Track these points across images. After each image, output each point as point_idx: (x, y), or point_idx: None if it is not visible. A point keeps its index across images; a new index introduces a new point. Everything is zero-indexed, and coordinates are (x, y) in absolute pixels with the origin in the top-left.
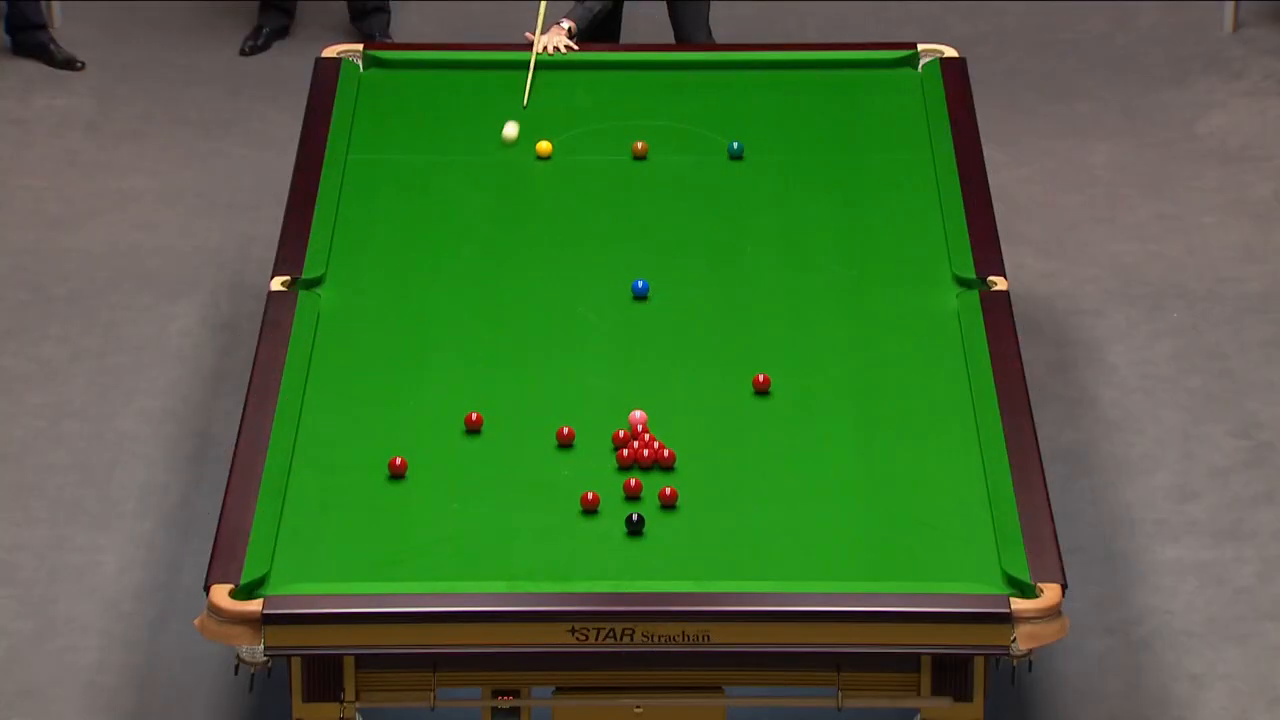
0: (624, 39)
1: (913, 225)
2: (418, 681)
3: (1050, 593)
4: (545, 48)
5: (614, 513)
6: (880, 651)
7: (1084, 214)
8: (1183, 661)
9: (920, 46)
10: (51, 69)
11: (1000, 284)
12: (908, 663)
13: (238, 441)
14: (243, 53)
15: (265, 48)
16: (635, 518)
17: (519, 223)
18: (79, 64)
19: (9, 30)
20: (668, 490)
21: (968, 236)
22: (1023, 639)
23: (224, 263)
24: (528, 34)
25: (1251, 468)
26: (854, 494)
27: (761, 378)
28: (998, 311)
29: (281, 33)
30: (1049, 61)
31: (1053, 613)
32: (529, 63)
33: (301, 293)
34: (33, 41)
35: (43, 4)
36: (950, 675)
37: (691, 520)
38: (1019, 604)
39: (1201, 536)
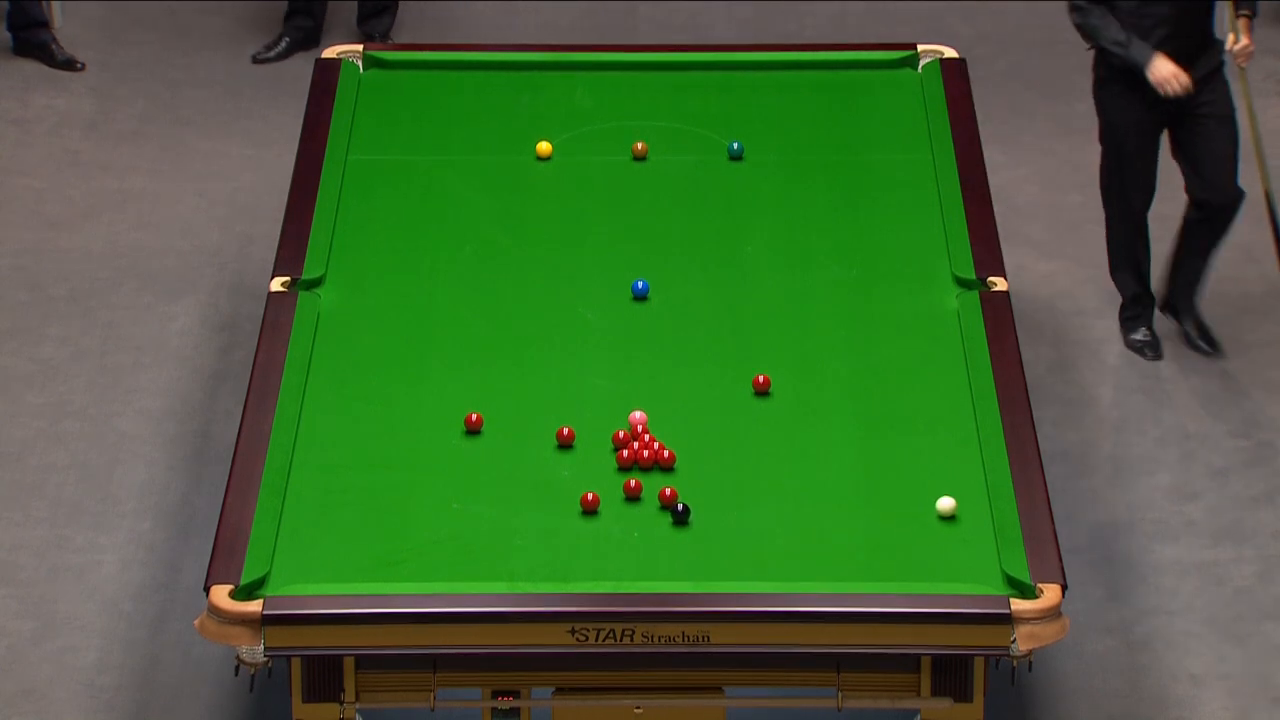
0: (623, 39)
1: (913, 225)
2: (418, 682)
3: (1050, 593)
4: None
5: (614, 513)
6: (880, 651)
7: (1084, 214)
8: (1183, 661)
9: (920, 47)
10: (51, 69)
11: (1000, 284)
12: (908, 663)
13: (238, 441)
14: (255, 59)
15: (286, 57)
16: (681, 508)
17: (519, 223)
18: (79, 64)
19: (10, 28)
20: (668, 491)
21: (968, 237)
22: (1023, 639)
23: (224, 263)
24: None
25: (1251, 468)
26: (854, 494)
27: (761, 378)
28: (998, 312)
29: (303, 43)
30: (1049, 61)
31: (1053, 613)
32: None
33: (301, 293)
34: (35, 40)
35: (44, 4)
36: (950, 675)
37: (691, 520)
38: (1019, 604)
39: (1201, 536)
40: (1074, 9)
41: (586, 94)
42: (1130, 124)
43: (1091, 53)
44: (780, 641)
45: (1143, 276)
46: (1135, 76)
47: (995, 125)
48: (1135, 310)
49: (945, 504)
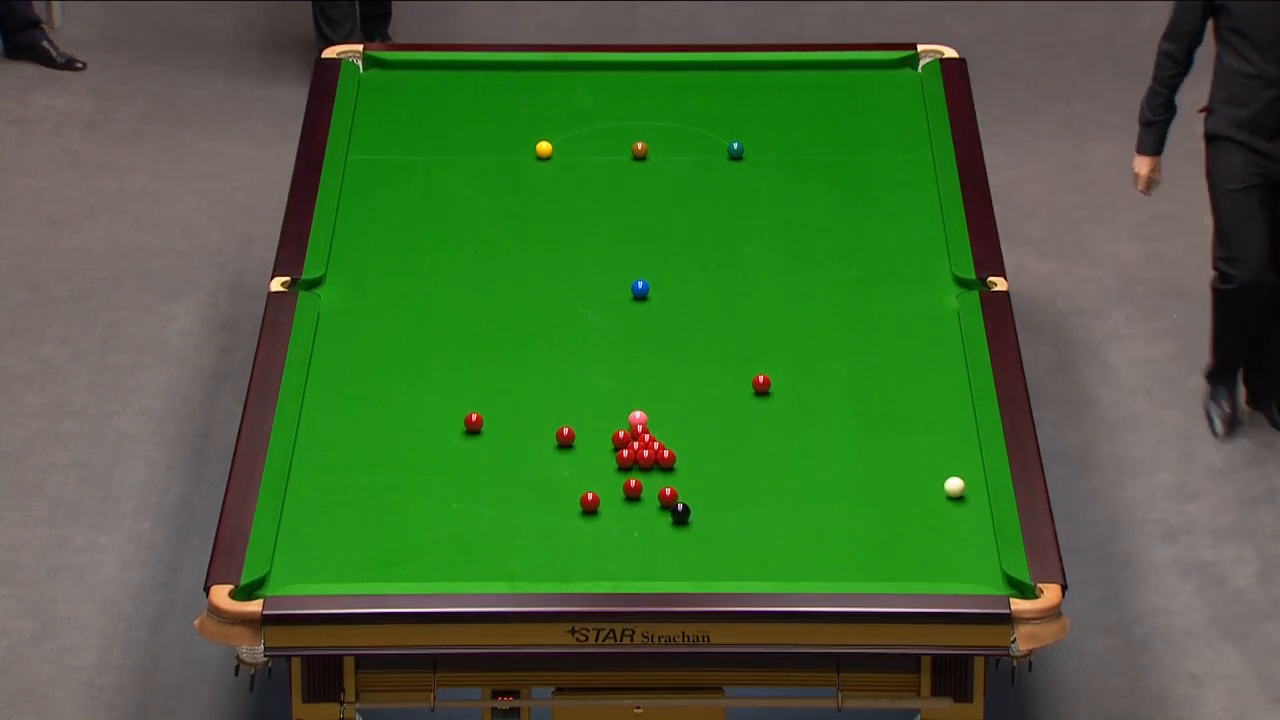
0: (623, 39)
1: (913, 225)
2: (418, 682)
3: (1050, 593)
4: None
5: (614, 513)
6: (880, 651)
7: (1084, 214)
8: (1183, 661)
9: (920, 47)
10: (52, 70)
11: (1000, 284)
12: (908, 663)
13: (238, 441)
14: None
15: None
16: (681, 508)
17: (519, 223)
18: (79, 64)
19: (3, 32)
20: (668, 491)
21: (968, 236)
22: (1023, 639)
23: (224, 263)
24: None
25: (1251, 468)
26: (854, 494)
27: (761, 378)
28: (998, 312)
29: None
30: (1049, 61)
31: (1053, 613)
32: None
33: (301, 293)
34: (29, 42)
35: (42, 4)
36: (950, 675)
37: (691, 520)
38: (1019, 604)
39: (1201, 536)
40: (1161, 51)
41: (586, 94)
42: (1230, 183)
43: (1203, 114)
44: (780, 641)
45: (1235, 349)
46: (1240, 136)
47: (995, 125)
48: (1220, 381)
49: (954, 485)
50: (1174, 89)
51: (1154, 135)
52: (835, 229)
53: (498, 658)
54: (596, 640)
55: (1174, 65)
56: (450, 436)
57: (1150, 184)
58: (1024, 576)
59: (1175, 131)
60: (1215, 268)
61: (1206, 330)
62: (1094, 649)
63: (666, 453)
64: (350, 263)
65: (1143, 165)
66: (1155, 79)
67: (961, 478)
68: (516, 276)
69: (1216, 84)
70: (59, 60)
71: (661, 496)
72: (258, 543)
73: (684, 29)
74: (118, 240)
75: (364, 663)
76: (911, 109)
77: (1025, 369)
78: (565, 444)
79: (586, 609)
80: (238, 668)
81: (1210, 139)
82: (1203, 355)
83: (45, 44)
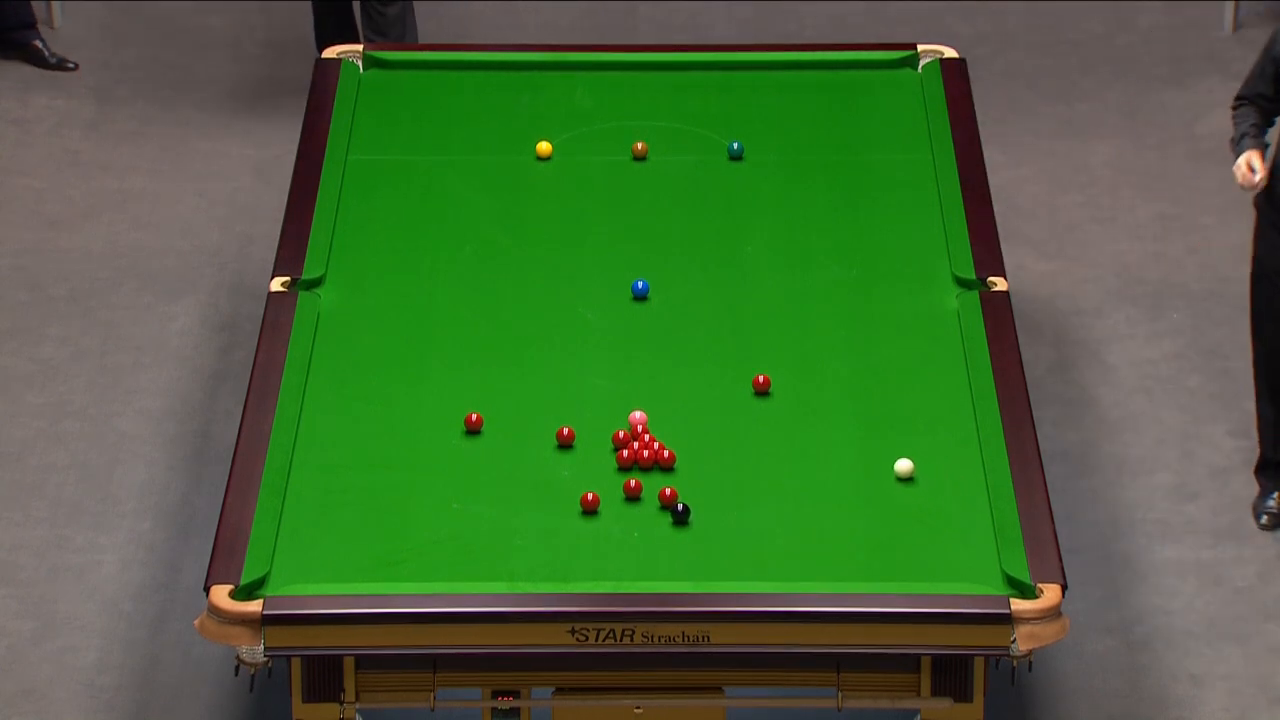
0: (623, 39)
1: (913, 225)
2: (418, 682)
3: (1050, 593)
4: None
5: (614, 513)
6: (880, 651)
7: (1084, 214)
8: (1183, 661)
9: (920, 47)
10: (43, 69)
11: (1000, 284)
12: (908, 663)
13: (238, 441)
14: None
15: None
16: (681, 508)
17: (519, 223)
18: (70, 64)
19: None
20: (668, 491)
21: (968, 236)
22: (1023, 639)
23: (224, 263)
24: None
25: (1251, 467)
26: (854, 494)
27: (761, 378)
28: (998, 311)
29: None
30: (1049, 61)
31: (1053, 613)
32: None
33: (301, 293)
34: (22, 41)
35: (41, 4)
36: (950, 675)
37: (691, 520)
38: (1019, 604)
39: (1201, 536)
40: (1231, 108)
41: (586, 94)
42: (1260, 264)
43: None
44: (780, 641)
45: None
46: (1276, 217)
47: (995, 125)
48: (1269, 474)
49: (903, 465)
50: (1255, 116)
51: (1252, 138)
52: (835, 229)
53: (498, 658)
54: (596, 640)
55: (1248, 105)
56: (450, 436)
57: (1257, 174)
58: (1024, 576)
59: (1177, 131)
60: (1253, 334)
61: (1206, 330)
62: (1094, 649)
63: (666, 453)
64: (350, 263)
65: (1254, 159)
66: (1234, 121)
67: (957, 488)
68: (516, 276)
69: (1277, 156)
70: (51, 60)
71: (661, 496)
72: (258, 543)
73: (684, 29)
74: (118, 240)
75: (364, 663)
76: (911, 109)
77: (1025, 369)
78: (565, 444)
79: (586, 609)
80: (238, 668)
81: (1257, 212)
82: (1202, 355)
83: (38, 43)
